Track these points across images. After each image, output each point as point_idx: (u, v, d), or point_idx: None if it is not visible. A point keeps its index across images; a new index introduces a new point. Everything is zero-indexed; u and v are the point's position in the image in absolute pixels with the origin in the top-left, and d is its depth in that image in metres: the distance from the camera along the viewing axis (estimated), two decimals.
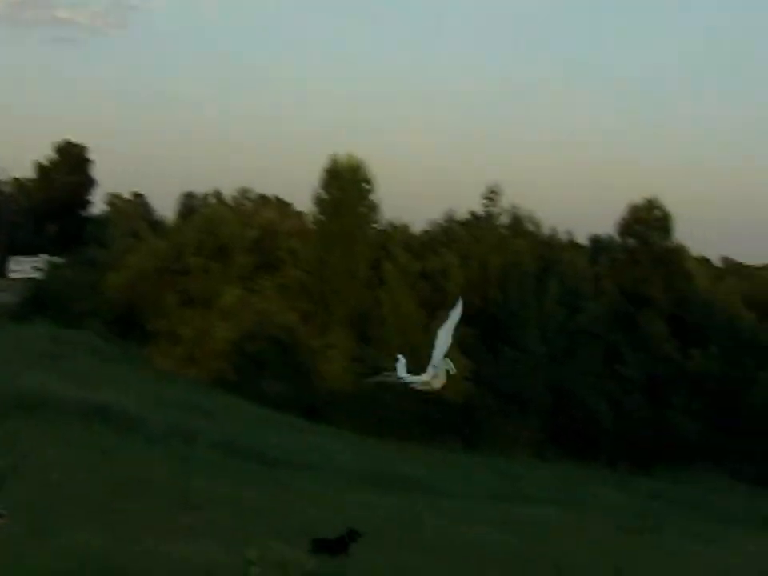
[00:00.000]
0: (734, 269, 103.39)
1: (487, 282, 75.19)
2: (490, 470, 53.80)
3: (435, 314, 70.36)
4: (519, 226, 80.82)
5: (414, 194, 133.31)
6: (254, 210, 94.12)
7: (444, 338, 13.29)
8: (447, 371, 12.99)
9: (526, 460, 63.69)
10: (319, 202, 75.03)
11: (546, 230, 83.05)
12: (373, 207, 76.15)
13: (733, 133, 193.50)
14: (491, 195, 79.58)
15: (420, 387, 13.28)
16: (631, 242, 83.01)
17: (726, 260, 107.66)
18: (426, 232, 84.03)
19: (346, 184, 73.53)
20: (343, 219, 73.12)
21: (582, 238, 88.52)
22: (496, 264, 75.53)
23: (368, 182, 74.39)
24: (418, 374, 13.01)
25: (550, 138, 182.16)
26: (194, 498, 24.27)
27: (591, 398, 71.64)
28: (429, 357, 13.34)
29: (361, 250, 72.99)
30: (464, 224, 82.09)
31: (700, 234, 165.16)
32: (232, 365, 67.40)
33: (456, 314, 13.59)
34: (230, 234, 76.00)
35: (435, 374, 12.95)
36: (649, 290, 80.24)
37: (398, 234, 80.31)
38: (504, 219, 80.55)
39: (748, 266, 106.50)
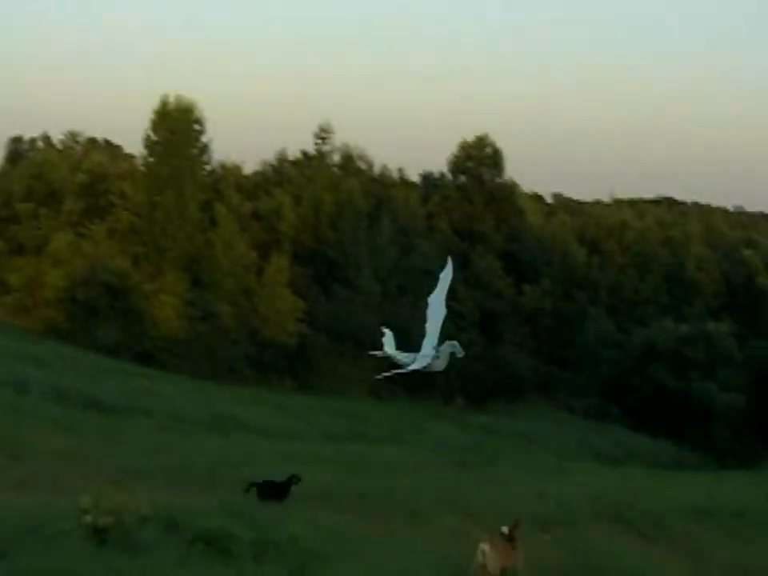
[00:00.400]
0: (565, 205, 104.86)
1: (320, 222, 74.29)
2: (324, 411, 53.25)
3: (268, 255, 69.58)
4: (351, 165, 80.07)
5: (246, 134, 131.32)
6: (83, 153, 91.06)
7: (438, 307, 11.96)
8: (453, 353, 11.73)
9: (361, 400, 63.31)
10: (149, 144, 72.79)
11: (377, 169, 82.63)
12: (203, 149, 74.26)
13: (565, 68, 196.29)
14: (323, 134, 78.59)
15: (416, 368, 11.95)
16: (463, 179, 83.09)
17: (557, 196, 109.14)
18: (258, 172, 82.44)
19: (176, 125, 71.38)
20: (173, 161, 71.09)
21: (415, 176, 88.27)
22: (328, 203, 74.61)
23: (199, 123, 72.38)
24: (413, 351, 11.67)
25: (381, 75, 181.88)
26: (25, 450, 23.13)
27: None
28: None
29: (192, 192, 71.14)
30: (296, 164, 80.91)
31: (532, 171, 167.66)
32: (64, 312, 65.37)
33: (447, 276, 12.37)
34: (59, 179, 73.52)
35: (437, 357, 11.67)
36: (481, 227, 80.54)
37: (230, 175, 78.55)
38: (336, 158, 79.81)
39: (579, 202, 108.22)
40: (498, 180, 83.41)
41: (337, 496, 22.81)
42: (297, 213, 73.91)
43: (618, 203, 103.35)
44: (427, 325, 11.98)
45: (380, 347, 12.09)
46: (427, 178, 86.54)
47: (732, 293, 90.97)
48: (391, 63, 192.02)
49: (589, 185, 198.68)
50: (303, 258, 72.70)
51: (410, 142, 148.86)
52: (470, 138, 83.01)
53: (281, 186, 76.80)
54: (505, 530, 15.93)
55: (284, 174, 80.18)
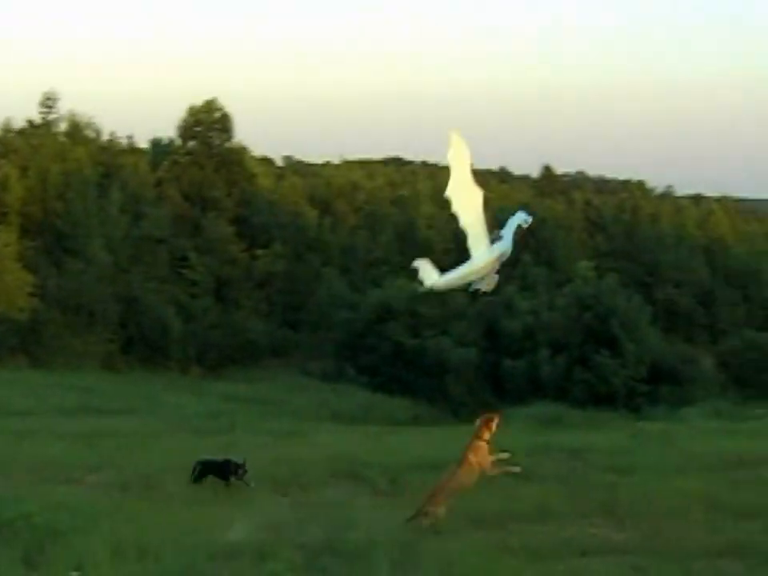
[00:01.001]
0: (295, 167, 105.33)
1: (47, 193, 72.26)
2: (59, 386, 51.99)
3: None
4: (79, 134, 78.23)
5: None
6: None
7: (467, 196, 10.59)
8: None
9: (96, 373, 62.16)
10: None
11: (106, 136, 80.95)
12: None
13: (286, 32, 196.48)
14: (48, 102, 76.49)
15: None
16: (192, 144, 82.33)
17: (287, 159, 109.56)
18: None
19: None
20: None
21: (144, 143, 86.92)
22: (56, 173, 72.61)
23: None
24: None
25: (105, 42, 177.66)
26: None
27: (159, 305, 70.84)
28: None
29: None
30: (21, 133, 78.28)
31: (262, 134, 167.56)
32: None
33: (460, 156, 10.83)
34: None
35: (500, 244, 10.36)
36: (212, 193, 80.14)
37: None
38: (63, 127, 77.80)
39: (309, 164, 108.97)
40: (228, 144, 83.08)
41: (70, 470, 22.53)
42: (23, 184, 71.70)
43: (348, 164, 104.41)
44: (462, 223, 10.71)
45: (419, 281, 11.03)
46: (156, 144, 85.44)
47: (461, 249, 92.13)
48: (116, 29, 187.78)
49: (318, 147, 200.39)
50: (32, 230, 70.59)
51: (138, 108, 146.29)
52: (199, 102, 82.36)
53: (6, 157, 74.22)
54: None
55: (9, 145, 77.42)
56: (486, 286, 11.38)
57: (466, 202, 10.74)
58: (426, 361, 68.32)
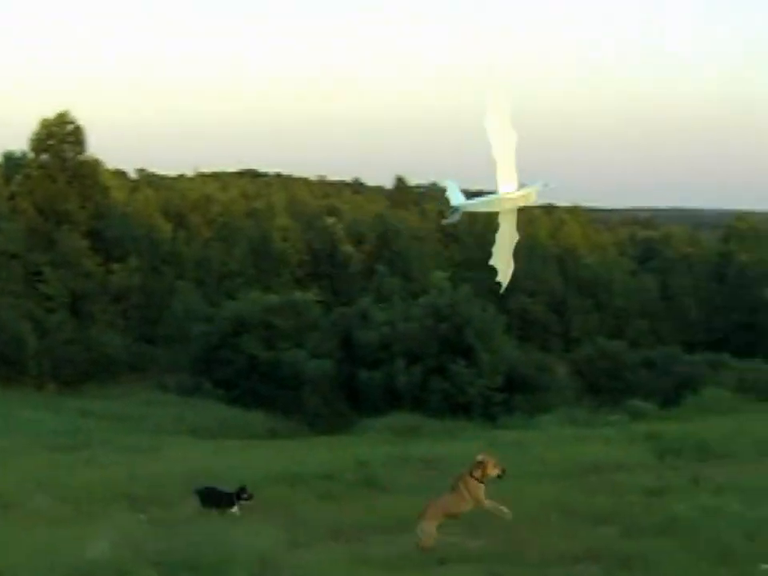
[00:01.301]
0: (149, 180, 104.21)
1: None
2: None
3: None
4: None
5: None
6: None
7: (501, 129, 10.14)
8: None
9: None
10: None
11: None
12: None
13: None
14: None
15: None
16: (45, 157, 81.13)
17: (141, 171, 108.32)
18: None
19: None
20: None
21: None
22: None
23: None
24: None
25: None
26: None
27: (13, 320, 69.67)
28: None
29: None
30: None
31: (115, 147, 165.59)
32: None
33: (500, 100, 10.42)
34: None
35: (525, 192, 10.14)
36: (65, 206, 79.01)
37: None
38: None
39: (163, 177, 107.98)
40: (81, 157, 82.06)
41: None
42: None
43: (202, 177, 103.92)
44: (494, 153, 10.55)
45: (446, 200, 10.86)
46: (8, 157, 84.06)
47: (317, 261, 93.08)
48: None
49: (172, 159, 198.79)
50: None
51: None
52: (51, 114, 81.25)
53: None
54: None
55: None
56: (503, 277, 11.69)
57: (501, 137, 10.73)
58: (281, 373, 68.33)
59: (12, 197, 79.19)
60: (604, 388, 74.97)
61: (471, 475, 16.83)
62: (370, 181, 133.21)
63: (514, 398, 66.41)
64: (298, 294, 78.15)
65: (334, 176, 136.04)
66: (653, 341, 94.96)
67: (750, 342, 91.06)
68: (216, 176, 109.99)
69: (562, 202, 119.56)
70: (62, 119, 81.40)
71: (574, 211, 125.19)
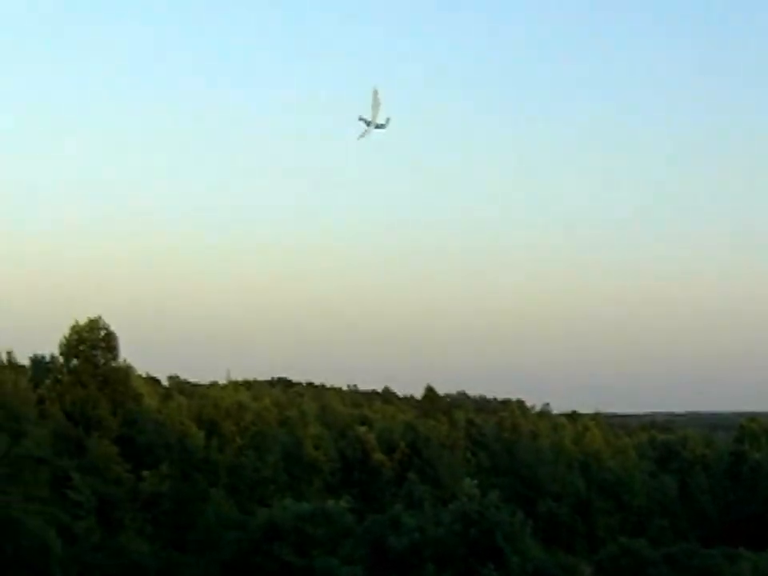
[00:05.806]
0: (181, 387, 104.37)
1: None
2: None
3: None
4: None
5: None
6: None
7: None
8: None
9: None
10: None
11: None
12: None
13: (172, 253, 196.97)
14: None
15: None
16: (75, 362, 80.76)
17: (173, 379, 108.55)
18: None
19: None
20: None
21: (24, 359, 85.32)
22: None
23: None
24: None
25: None
26: None
27: (39, 526, 67.70)
28: None
29: None
30: None
31: (147, 354, 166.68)
32: None
33: None
34: None
35: None
36: (96, 412, 78.40)
37: None
38: None
39: (195, 384, 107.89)
40: (113, 363, 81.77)
41: None
42: None
43: (235, 385, 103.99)
44: None
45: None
46: (37, 361, 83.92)
47: (348, 469, 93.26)
48: None
49: (205, 367, 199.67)
50: None
51: (19, 324, 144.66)
52: (82, 319, 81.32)
53: None
54: None
55: None
56: None
57: None
58: None
59: (41, 401, 78.40)
60: None
61: None
62: (401, 390, 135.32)
63: None
64: (330, 503, 77.45)
65: (364, 385, 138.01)
66: (672, 536, 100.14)
67: (763, 534, 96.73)
68: (248, 384, 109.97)
69: (585, 409, 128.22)
70: (94, 325, 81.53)
71: (596, 417, 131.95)
